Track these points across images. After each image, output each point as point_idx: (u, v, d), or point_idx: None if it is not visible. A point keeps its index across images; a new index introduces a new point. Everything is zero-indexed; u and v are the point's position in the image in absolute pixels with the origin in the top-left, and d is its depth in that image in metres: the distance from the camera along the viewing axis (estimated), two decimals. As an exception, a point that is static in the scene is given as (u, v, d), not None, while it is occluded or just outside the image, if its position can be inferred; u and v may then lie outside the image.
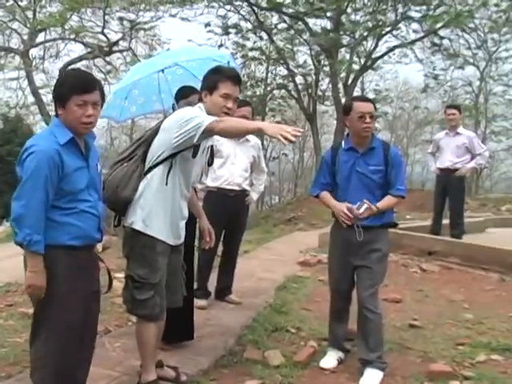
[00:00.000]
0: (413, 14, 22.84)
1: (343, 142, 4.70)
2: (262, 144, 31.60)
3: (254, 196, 6.48)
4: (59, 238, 3.07)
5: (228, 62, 5.05)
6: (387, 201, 4.47)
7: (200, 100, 3.96)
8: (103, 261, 3.51)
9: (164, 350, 4.62)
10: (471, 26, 24.20)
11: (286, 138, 3.17)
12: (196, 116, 3.64)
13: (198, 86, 4.54)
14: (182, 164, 3.83)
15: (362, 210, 4.31)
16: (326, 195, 4.68)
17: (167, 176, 3.79)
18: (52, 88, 3.31)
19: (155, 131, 3.88)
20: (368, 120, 4.44)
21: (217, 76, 3.87)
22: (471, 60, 28.92)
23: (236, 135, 4.00)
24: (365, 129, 4.47)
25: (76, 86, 3.08)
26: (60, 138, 3.05)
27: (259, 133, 3.58)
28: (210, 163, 4.39)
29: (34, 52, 26.79)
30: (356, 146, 4.56)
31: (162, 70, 5.17)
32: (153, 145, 3.85)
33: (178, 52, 5.60)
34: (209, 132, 3.57)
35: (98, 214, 3.24)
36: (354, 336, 4.73)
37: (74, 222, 3.10)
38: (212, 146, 4.25)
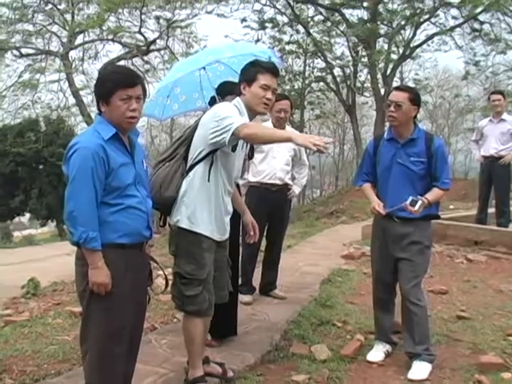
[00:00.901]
0: (451, -1, 22.48)
1: (386, 133, 4.66)
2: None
3: (297, 190, 6.47)
4: (108, 236, 3.05)
5: (269, 57, 5.03)
6: (436, 193, 4.41)
7: (239, 94, 3.96)
8: (156, 261, 3.53)
9: (210, 346, 4.65)
10: (512, 9, 23.62)
11: (316, 147, 3.21)
12: (230, 116, 3.66)
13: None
14: (223, 159, 3.85)
15: (417, 208, 4.25)
16: (367, 187, 4.66)
17: (209, 172, 3.82)
18: (93, 87, 3.32)
19: (194, 128, 3.91)
20: (392, 109, 4.39)
21: (256, 68, 3.89)
22: (513, 44, 28.28)
23: (262, 143, 3.97)
24: (389, 117, 4.43)
25: (120, 81, 3.09)
26: (104, 133, 3.07)
27: (288, 141, 3.58)
28: (251, 157, 4.40)
29: (73, 54, 27.22)
30: (396, 137, 4.51)
31: (204, 68, 5.16)
32: (193, 142, 3.88)
33: (219, 49, 5.58)
34: (235, 136, 3.60)
35: (146, 210, 3.24)
36: (401, 328, 4.68)
37: (123, 219, 3.10)
38: None
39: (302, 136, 3.43)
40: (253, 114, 3.92)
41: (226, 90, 4.76)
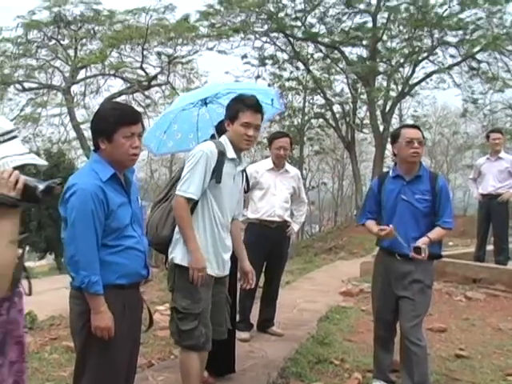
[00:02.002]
0: (449, 39, 22.91)
1: (390, 171, 4.70)
2: (302, 174, 31.68)
3: (296, 227, 6.47)
4: (107, 278, 2.99)
5: (272, 100, 5.07)
6: (438, 232, 4.42)
7: (225, 130, 4.03)
8: (144, 300, 3.51)
9: (207, 383, 4.61)
10: (509, 48, 23.88)
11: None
12: (188, 177, 3.80)
13: None
14: (213, 192, 3.89)
15: (424, 254, 4.26)
16: (370, 223, 4.68)
17: (201, 207, 3.87)
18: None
19: (182, 168, 3.97)
20: (416, 145, 4.43)
21: (237, 105, 3.95)
22: (511, 83, 28.54)
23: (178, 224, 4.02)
24: (413, 154, 4.44)
25: (123, 118, 3.04)
26: (102, 174, 3.00)
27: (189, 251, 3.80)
28: (246, 190, 4.41)
29: (75, 88, 27.59)
30: (403, 174, 4.54)
31: (205, 103, 5.15)
32: None
33: (222, 85, 5.59)
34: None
35: (143, 249, 3.22)
36: (399, 367, 4.65)
37: (121, 260, 3.07)
38: (245, 172, 4.27)
39: (199, 262, 3.76)
40: (237, 149, 3.97)
41: (222, 129, 4.82)
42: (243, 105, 3.92)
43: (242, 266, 4.36)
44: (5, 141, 2.12)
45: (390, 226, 4.36)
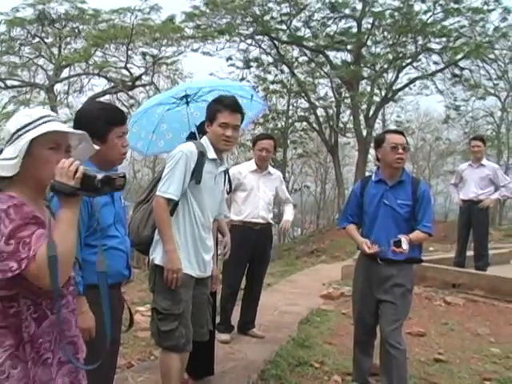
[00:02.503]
0: (433, 45, 23.10)
1: (373, 175, 4.73)
2: (284, 177, 31.59)
3: (290, 217, 6.50)
4: (89, 278, 2.92)
5: (252, 96, 5.08)
6: (417, 234, 4.45)
7: (205, 132, 4.06)
8: (125, 300, 3.50)
9: None
10: (491, 56, 24.22)
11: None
12: (169, 178, 3.83)
13: None
14: (194, 192, 3.91)
15: (405, 247, 4.30)
16: (351, 228, 4.70)
17: (182, 208, 3.89)
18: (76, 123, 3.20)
19: (163, 169, 3.98)
20: (401, 151, 4.47)
21: (215, 106, 3.97)
22: (492, 90, 28.83)
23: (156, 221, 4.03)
24: (397, 160, 4.48)
25: (115, 118, 3.08)
26: None
27: (166, 250, 3.82)
28: (229, 191, 4.41)
29: (58, 87, 27.41)
30: (386, 179, 4.58)
31: (187, 101, 5.13)
32: None
33: (200, 82, 5.58)
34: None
35: (126, 250, 3.22)
36: (379, 371, 4.68)
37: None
38: (227, 173, 4.28)
39: (174, 262, 3.77)
40: (218, 151, 3.99)
41: (203, 129, 4.83)
42: (221, 105, 3.93)
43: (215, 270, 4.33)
44: (44, 122, 2.16)
45: (376, 246, 4.39)
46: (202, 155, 3.89)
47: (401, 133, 4.69)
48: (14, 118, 2.23)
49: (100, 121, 3.02)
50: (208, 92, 5.17)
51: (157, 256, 3.89)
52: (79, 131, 2.29)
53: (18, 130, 2.16)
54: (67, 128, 2.24)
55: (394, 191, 4.53)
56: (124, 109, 24.87)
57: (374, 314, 4.59)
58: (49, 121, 2.19)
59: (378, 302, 4.53)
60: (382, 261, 4.44)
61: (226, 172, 4.26)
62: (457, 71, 24.25)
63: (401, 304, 4.45)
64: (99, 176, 2.09)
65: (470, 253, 9.73)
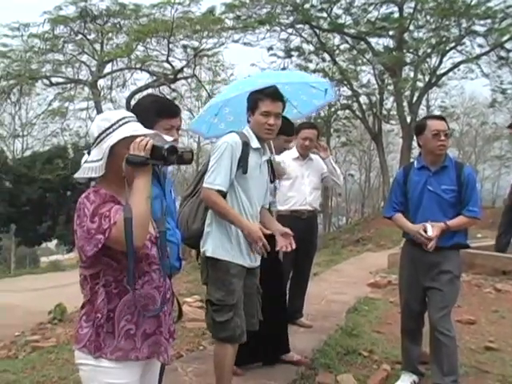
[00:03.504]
0: (477, 28, 22.60)
1: (415, 162, 4.65)
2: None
3: (340, 181, 6.42)
4: None
5: (326, 90, 5.06)
6: (458, 220, 4.36)
7: (248, 121, 4.05)
8: (173, 292, 3.54)
9: (237, 375, 4.63)
10: (539, 36, 23.59)
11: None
12: (215, 168, 3.82)
13: (291, 111, 4.91)
14: (241, 183, 3.90)
15: (429, 233, 4.24)
16: (399, 217, 4.63)
17: (230, 199, 3.88)
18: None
19: (208, 162, 3.98)
20: (443, 138, 4.39)
21: (256, 95, 3.96)
22: (540, 72, 28.14)
23: (216, 213, 3.98)
24: (439, 146, 4.41)
25: (164, 111, 3.14)
26: None
27: (240, 229, 3.81)
28: (272, 180, 4.38)
29: (101, 82, 27.82)
30: (429, 165, 4.50)
31: None
32: None
33: (279, 74, 5.55)
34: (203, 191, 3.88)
35: (177, 241, 3.27)
36: (428, 359, 4.63)
37: None
38: (271, 161, 4.26)
39: (253, 233, 3.69)
40: (261, 140, 3.98)
41: None
42: (262, 94, 3.93)
43: (278, 229, 4.11)
44: (120, 126, 2.44)
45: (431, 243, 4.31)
46: (246, 145, 3.89)
47: (442, 118, 4.60)
48: (95, 122, 2.51)
49: (148, 113, 3.08)
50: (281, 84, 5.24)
51: (208, 248, 3.90)
52: (151, 131, 2.51)
53: (100, 134, 2.44)
54: (141, 129, 2.47)
55: (437, 177, 4.45)
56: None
57: (422, 302, 4.52)
58: (126, 122, 2.47)
59: (425, 290, 4.46)
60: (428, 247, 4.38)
61: (270, 161, 4.25)
62: (503, 53, 23.68)
63: (448, 291, 4.37)
64: (166, 146, 2.36)
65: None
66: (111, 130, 2.43)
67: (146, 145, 2.33)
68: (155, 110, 3.12)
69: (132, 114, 2.58)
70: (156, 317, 2.51)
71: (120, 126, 2.44)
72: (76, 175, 2.47)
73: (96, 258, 2.34)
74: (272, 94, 3.94)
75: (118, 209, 2.32)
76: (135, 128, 2.45)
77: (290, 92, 5.20)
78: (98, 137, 2.45)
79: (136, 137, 2.38)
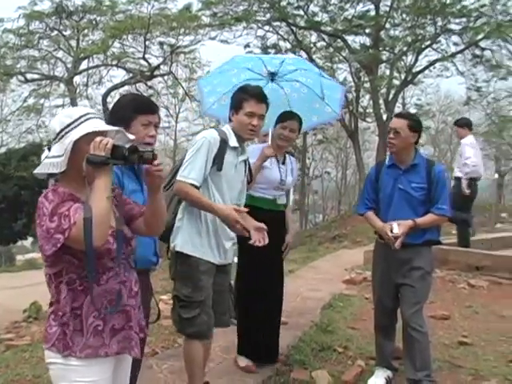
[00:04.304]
0: (452, 26, 22.72)
1: (387, 159, 4.68)
2: (305, 163, 31.43)
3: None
4: None
5: (331, 104, 5.28)
6: (427, 218, 4.39)
7: (230, 119, 4.05)
8: (152, 289, 3.55)
9: (250, 372, 4.78)
10: (513, 35, 23.82)
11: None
12: (190, 163, 3.83)
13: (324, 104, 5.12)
14: (215, 180, 3.91)
15: (395, 231, 4.27)
16: (370, 215, 4.65)
17: (203, 195, 3.87)
18: (106, 113, 3.38)
19: (185, 157, 3.98)
20: (391, 135, 4.44)
21: (241, 95, 3.98)
22: (514, 70, 28.44)
23: (190, 203, 4.01)
24: (388, 144, 4.47)
25: (141, 107, 3.21)
26: None
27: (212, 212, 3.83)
28: (249, 180, 4.39)
29: (77, 79, 27.61)
30: (398, 163, 4.53)
31: (272, 78, 5.18)
32: None
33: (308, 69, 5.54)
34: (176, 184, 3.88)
35: (153, 236, 3.28)
36: (402, 354, 4.66)
37: None
38: (248, 162, 4.27)
39: (229, 217, 3.69)
40: (241, 139, 3.99)
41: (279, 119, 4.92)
42: (247, 94, 3.95)
43: (252, 225, 4.03)
44: (83, 122, 2.44)
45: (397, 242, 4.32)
46: (224, 143, 3.90)
47: (402, 116, 4.60)
48: (57, 118, 2.53)
49: (126, 109, 3.20)
50: (294, 80, 5.26)
51: (178, 243, 3.89)
52: (114, 127, 2.55)
53: (62, 130, 2.45)
54: (103, 126, 2.48)
55: (407, 175, 4.46)
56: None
57: (394, 298, 4.56)
58: (88, 119, 2.47)
59: (397, 286, 4.50)
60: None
61: (247, 161, 4.25)
62: (478, 52, 23.85)
63: (420, 287, 4.41)
64: (127, 145, 2.41)
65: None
66: (73, 125, 2.44)
67: (107, 144, 2.33)
68: (133, 107, 3.20)
69: (94, 111, 2.59)
70: (124, 312, 2.51)
71: (82, 122, 2.44)
72: (36, 171, 2.48)
73: (57, 257, 2.36)
74: (257, 95, 3.97)
75: (77, 208, 2.32)
76: (98, 124, 2.45)
77: (295, 100, 5.23)
78: (60, 132, 2.45)
79: (99, 133, 2.38)
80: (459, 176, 9.24)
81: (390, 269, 4.50)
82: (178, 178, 3.83)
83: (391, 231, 4.29)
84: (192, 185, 3.78)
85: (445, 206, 4.42)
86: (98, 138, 2.34)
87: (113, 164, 2.40)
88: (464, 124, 9.91)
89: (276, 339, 5.06)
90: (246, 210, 3.87)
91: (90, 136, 2.37)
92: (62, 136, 2.44)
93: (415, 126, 4.47)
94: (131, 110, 3.18)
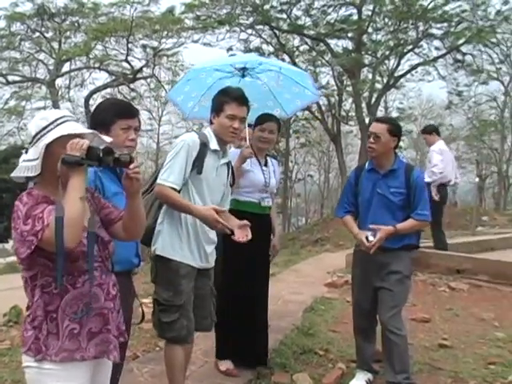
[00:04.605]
0: (434, 31, 22.90)
1: (367, 163, 4.68)
2: (288, 166, 31.39)
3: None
4: None
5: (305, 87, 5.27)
6: (407, 223, 4.41)
7: (211, 122, 4.05)
8: (135, 292, 3.54)
9: (231, 376, 4.81)
10: (493, 40, 24.02)
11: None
12: (169, 167, 3.83)
13: (274, 111, 5.13)
14: (195, 184, 3.91)
15: (370, 239, 4.32)
16: (348, 220, 4.69)
17: (183, 198, 3.86)
18: (88, 116, 3.41)
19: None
20: (371, 140, 4.45)
21: (223, 97, 3.98)
22: (495, 75, 28.70)
23: (171, 206, 4.02)
24: (367, 148, 4.50)
25: (121, 111, 3.24)
26: None
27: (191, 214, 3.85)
28: (232, 184, 4.39)
29: (59, 81, 27.49)
30: (377, 167, 4.54)
31: (243, 74, 5.15)
32: None
33: (263, 58, 5.55)
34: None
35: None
36: (382, 357, 4.69)
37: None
38: (230, 165, 4.27)
39: (209, 218, 3.70)
40: (222, 142, 3.99)
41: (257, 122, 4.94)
42: (229, 97, 3.95)
43: (235, 224, 4.03)
44: (58, 125, 2.45)
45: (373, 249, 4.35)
46: (204, 146, 3.90)
47: (382, 121, 4.62)
48: (33, 121, 2.53)
49: (106, 113, 3.23)
50: (267, 70, 5.24)
51: (158, 246, 3.89)
52: (89, 130, 2.57)
53: (37, 133, 2.46)
54: (79, 129, 2.48)
55: (386, 179, 4.47)
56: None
57: (373, 301, 4.57)
58: (64, 122, 2.47)
59: (375, 290, 4.52)
60: (378, 249, 4.38)
61: (229, 164, 4.25)
62: (459, 56, 24.07)
63: (398, 291, 4.43)
64: (101, 147, 2.42)
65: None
66: (48, 128, 2.44)
67: (82, 145, 2.34)
68: (114, 111, 3.23)
69: (71, 114, 2.60)
70: (101, 315, 2.50)
71: (58, 125, 2.45)
72: (12, 174, 2.49)
73: (32, 260, 2.36)
74: (238, 97, 3.97)
75: (51, 210, 2.32)
76: (73, 127, 2.45)
77: (275, 88, 5.24)
78: (36, 135, 2.46)
79: (74, 136, 2.39)
80: (429, 182, 9.29)
81: (369, 272, 4.53)
82: (158, 181, 3.83)
83: (367, 239, 4.32)
84: (171, 188, 3.78)
85: (425, 212, 4.44)
86: (76, 140, 2.35)
87: (87, 165, 2.40)
88: (431, 130, 9.93)
89: (264, 341, 5.08)
90: (226, 209, 3.90)
91: (64, 139, 2.37)
92: (38, 139, 2.44)
93: (395, 130, 4.48)
94: (111, 114, 3.21)
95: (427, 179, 9.24)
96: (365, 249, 4.38)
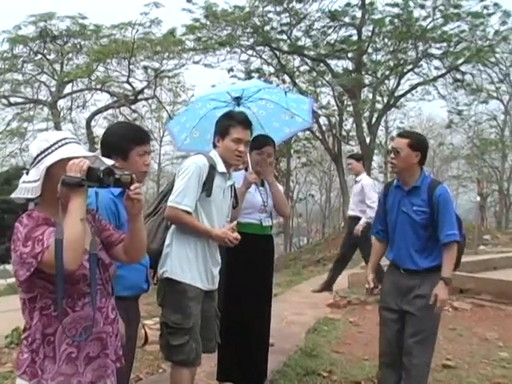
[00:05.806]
0: (433, 51, 23.08)
1: (395, 180, 4.47)
2: (289, 186, 31.32)
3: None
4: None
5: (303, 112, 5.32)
6: (446, 260, 4.18)
7: (214, 145, 4.07)
8: (140, 315, 3.55)
9: None
10: (493, 60, 24.19)
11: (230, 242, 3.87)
12: (181, 189, 3.86)
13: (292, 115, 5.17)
14: (203, 205, 3.93)
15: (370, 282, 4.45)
16: (375, 251, 4.65)
17: None
18: (99, 140, 3.44)
19: (173, 182, 4.00)
20: (392, 155, 4.26)
21: (228, 121, 4.03)
22: (495, 94, 28.84)
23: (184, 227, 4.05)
24: (390, 164, 4.43)
25: (138, 138, 3.29)
26: (113, 189, 3.02)
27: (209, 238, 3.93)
28: (235, 205, 4.40)
29: (61, 103, 27.57)
30: (402, 184, 4.32)
31: (238, 102, 5.12)
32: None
33: (260, 85, 5.60)
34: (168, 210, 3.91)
35: (145, 264, 3.31)
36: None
37: (126, 273, 3.09)
38: (233, 187, 4.29)
39: (220, 235, 3.87)
40: (227, 165, 4.02)
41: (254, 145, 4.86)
42: (234, 120, 3.99)
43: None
44: (60, 147, 2.42)
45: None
46: (212, 168, 3.93)
47: (402, 135, 4.40)
48: (35, 142, 2.51)
49: (123, 140, 3.25)
50: (258, 99, 5.27)
51: (167, 269, 3.89)
52: (90, 153, 2.52)
53: (39, 155, 2.43)
54: (80, 151, 2.45)
55: (410, 197, 4.24)
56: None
57: (400, 325, 4.31)
58: (65, 144, 2.45)
59: (403, 313, 4.28)
60: (405, 271, 4.25)
61: (233, 186, 4.27)
62: (458, 76, 24.21)
63: (423, 316, 4.17)
64: (102, 168, 2.38)
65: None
66: (50, 150, 2.43)
67: (82, 166, 2.31)
68: (130, 138, 3.27)
69: (73, 136, 2.59)
70: (99, 339, 2.47)
71: (59, 147, 2.44)
72: (13, 195, 2.47)
73: (32, 282, 2.33)
74: (243, 121, 4.03)
75: (51, 232, 2.30)
76: (74, 150, 2.45)
77: (264, 117, 5.27)
78: (37, 157, 2.45)
79: (74, 159, 2.37)
80: (354, 215, 9.20)
81: (397, 295, 4.32)
82: (171, 204, 3.83)
83: (368, 283, 4.32)
84: (185, 211, 3.80)
85: (454, 231, 4.14)
86: (76, 161, 2.32)
87: (88, 186, 2.37)
88: (359, 158, 9.63)
89: (264, 363, 5.04)
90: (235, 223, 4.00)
91: (65, 161, 2.35)
92: (39, 161, 2.43)
93: (417, 144, 4.26)
94: (129, 141, 3.25)
95: (352, 213, 9.29)
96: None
